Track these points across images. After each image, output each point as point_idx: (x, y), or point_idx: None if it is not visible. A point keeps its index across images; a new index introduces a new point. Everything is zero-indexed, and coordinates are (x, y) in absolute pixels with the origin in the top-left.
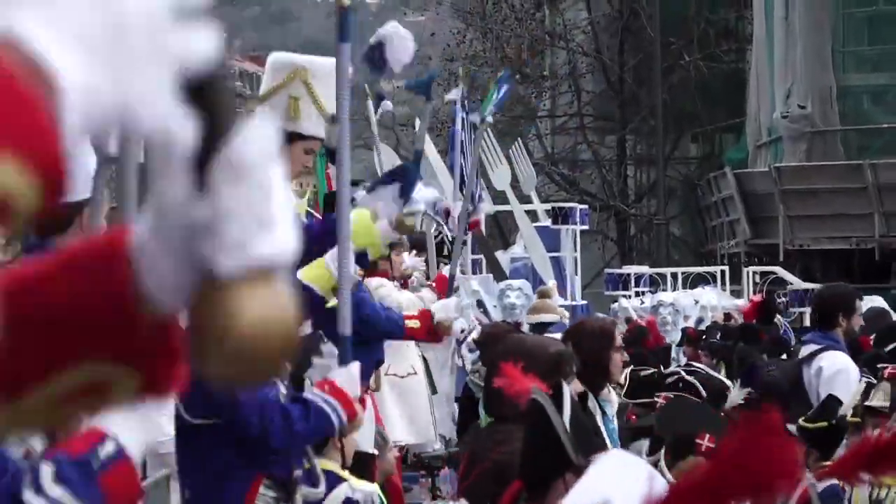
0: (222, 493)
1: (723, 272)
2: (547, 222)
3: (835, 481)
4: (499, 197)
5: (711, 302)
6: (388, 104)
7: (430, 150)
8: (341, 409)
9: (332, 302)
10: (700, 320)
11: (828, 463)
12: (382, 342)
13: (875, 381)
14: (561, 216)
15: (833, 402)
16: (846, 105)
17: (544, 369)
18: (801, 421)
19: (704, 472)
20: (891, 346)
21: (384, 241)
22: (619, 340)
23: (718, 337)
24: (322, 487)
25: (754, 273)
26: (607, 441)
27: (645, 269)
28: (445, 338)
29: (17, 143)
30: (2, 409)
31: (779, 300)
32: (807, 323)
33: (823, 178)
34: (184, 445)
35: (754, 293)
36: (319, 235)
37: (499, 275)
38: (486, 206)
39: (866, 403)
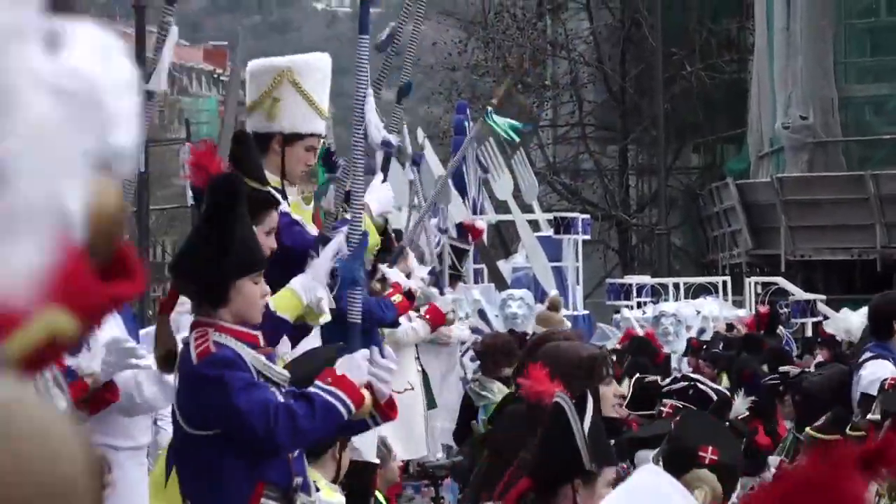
0: (224, 501)
1: (724, 283)
2: (549, 232)
3: None
4: (501, 206)
5: (713, 312)
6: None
7: (432, 159)
8: (347, 398)
9: (325, 317)
10: (702, 330)
11: None
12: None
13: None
14: (563, 226)
15: (843, 413)
16: (848, 116)
17: (580, 373)
18: (808, 430)
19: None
20: None
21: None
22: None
23: (721, 347)
24: (315, 496)
25: (756, 283)
26: None
27: (647, 280)
28: (448, 344)
29: (68, 299)
30: None
31: (781, 311)
32: (808, 333)
33: (825, 189)
34: (185, 455)
35: (756, 304)
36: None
37: (501, 284)
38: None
39: (867, 417)
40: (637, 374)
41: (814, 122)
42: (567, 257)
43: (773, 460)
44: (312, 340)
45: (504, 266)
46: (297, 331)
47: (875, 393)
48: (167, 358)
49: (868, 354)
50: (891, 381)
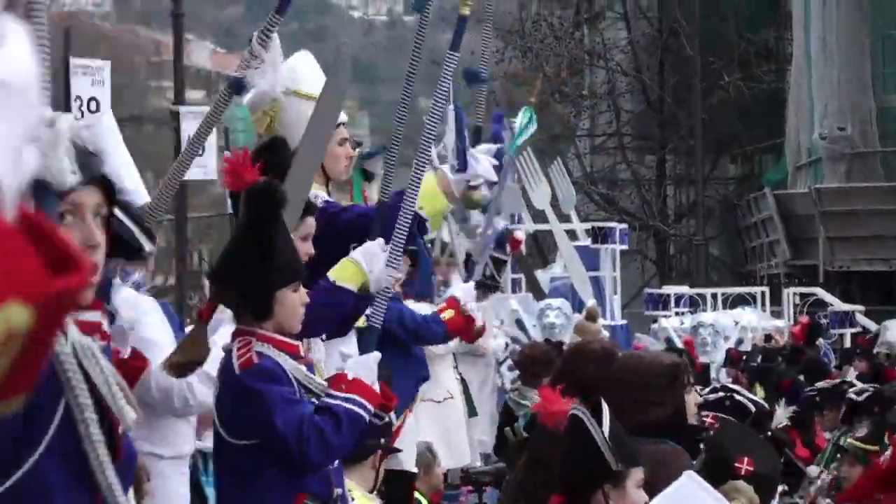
0: None
1: (763, 293)
2: (586, 242)
3: None
4: (538, 216)
5: (751, 323)
6: None
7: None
8: (366, 401)
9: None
10: (740, 341)
11: None
12: (425, 360)
13: None
14: (600, 236)
15: (884, 424)
16: (886, 126)
17: (663, 381)
18: (849, 439)
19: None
20: None
21: (444, 212)
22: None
23: (759, 359)
24: None
25: (794, 294)
26: None
27: (685, 290)
28: (484, 355)
29: (18, 288)
30: None
31: (819, 322)
32: (847, 344)
33: (863, 200)
34: (224, 465)
35: (794, 314)
36: (348, 222)
37: (538, 294)
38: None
39: None
40: None
41: (851, 133)
42: (605, 267)
43: (813, 470)
44: (349, 344)
45: (541, 275)
46: (360, 301)
47: None
48: (185, 366)
49: None
50: None
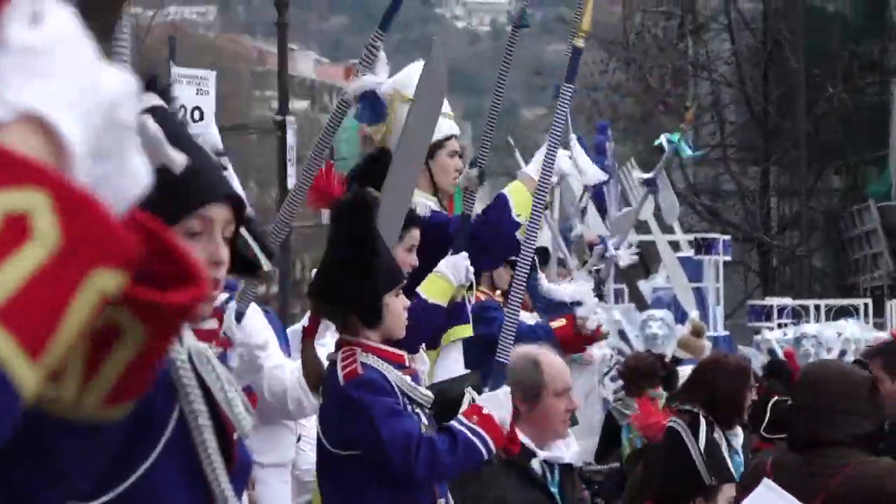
0: None
1: (865, 305)
2: (689, 253)
3: None
4: (641, 227)
5: (854, 334)
6: None
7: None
8: (490, 439)
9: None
10: (843, 353)
11: None
12: None
13: None
14: (704, 247)
15: None
16: None
17: (864, 392)
18: None
19: None
20: None
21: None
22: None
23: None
24: None
25: None
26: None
27: (788, 301)
28: (591, 363)
29: (108, 258)
30: None
31: None
32: None
33: None
34: (328, 477)
35: None
36: (449, 233)
37: (641, 304)
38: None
39: None
40: (776, 398)
41: None
42: (708, 278)
43: None
44: (455, 356)
45: (644, 286)
46: (450, 315)
47: None
48: (311, 385)
49: None
50: None
